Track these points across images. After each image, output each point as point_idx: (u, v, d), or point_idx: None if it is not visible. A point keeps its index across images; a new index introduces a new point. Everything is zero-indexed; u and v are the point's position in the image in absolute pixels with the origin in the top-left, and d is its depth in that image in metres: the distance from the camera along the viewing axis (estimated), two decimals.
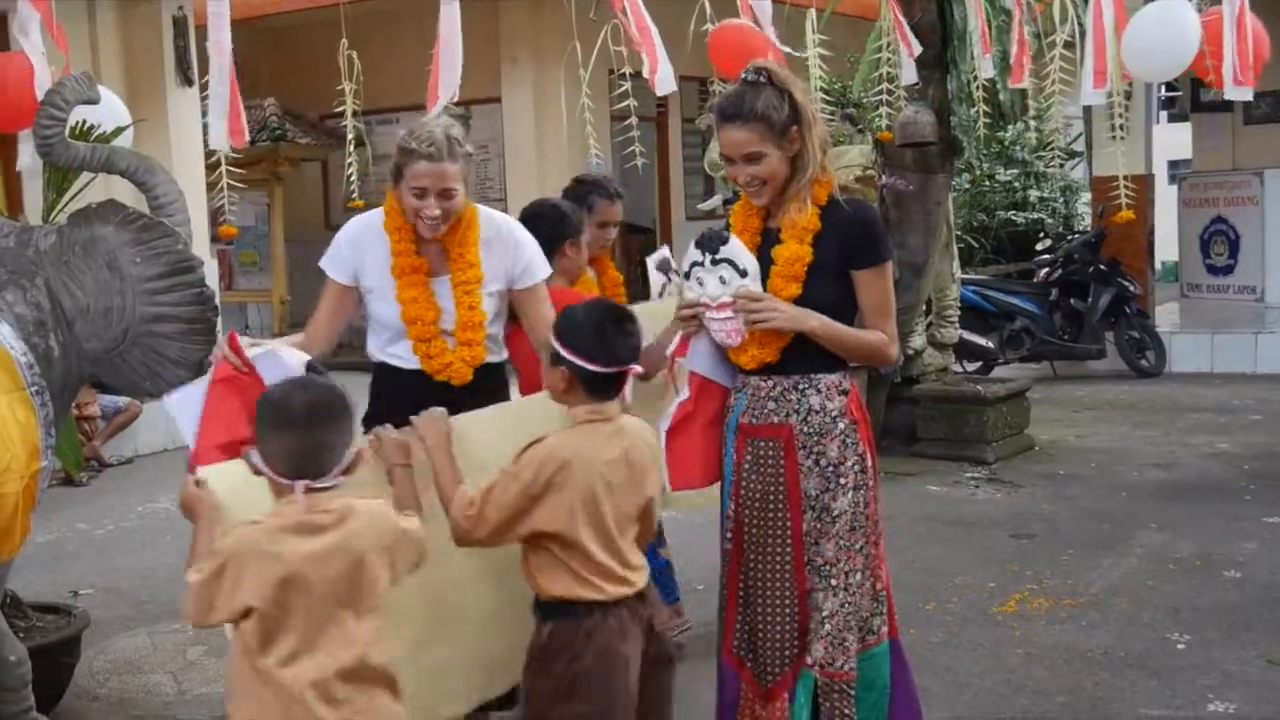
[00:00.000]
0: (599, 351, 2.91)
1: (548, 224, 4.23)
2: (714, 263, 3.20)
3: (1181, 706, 4.31)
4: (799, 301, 3.21)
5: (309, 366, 3.13)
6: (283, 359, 3.17)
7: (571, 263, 4.33)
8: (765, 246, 3.28)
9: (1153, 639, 4.93)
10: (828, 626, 3.23)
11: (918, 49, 5.77)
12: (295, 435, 2.56)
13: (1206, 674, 4.56)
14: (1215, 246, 13.70)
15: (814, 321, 3.20)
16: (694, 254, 3.26)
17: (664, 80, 5.45)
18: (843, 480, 3.25)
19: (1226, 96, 4.74)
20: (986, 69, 5.93)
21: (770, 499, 3.28)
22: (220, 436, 3.11)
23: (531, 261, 3.69)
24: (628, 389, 2.97)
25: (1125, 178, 5.59)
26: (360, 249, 3.64)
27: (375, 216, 3.65)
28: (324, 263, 3.67)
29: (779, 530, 3.28)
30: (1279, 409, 9.70)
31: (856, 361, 3.34)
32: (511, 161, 14.82)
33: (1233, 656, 4.71)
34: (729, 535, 3.39)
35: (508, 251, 3.66)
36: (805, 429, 3.25)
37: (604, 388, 2.94)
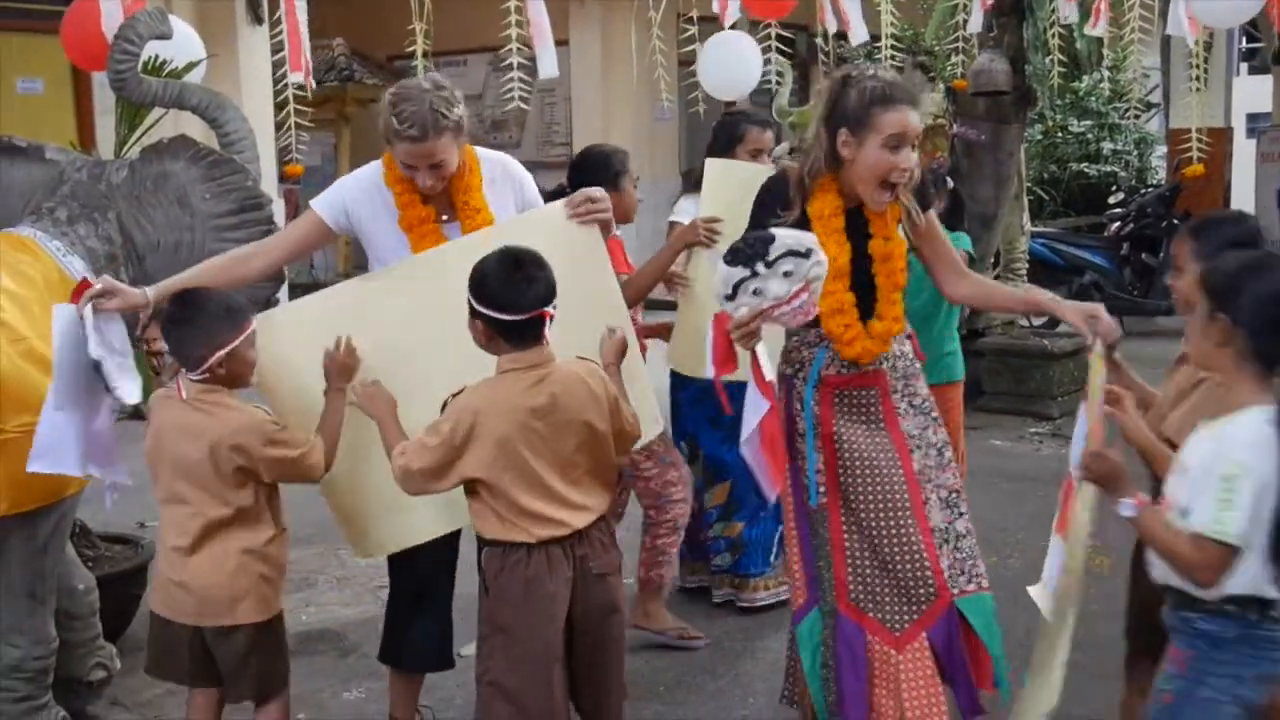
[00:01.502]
0: (506, 300, 2.94)
1: (591, 170, 4.36)
2: (769, 265, 2.97)
3: None
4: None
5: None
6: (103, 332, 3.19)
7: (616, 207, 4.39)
8: (851, 229, 3.27)
9: None
10: (975, 547, 3.39)
11: None
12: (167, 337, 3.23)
13: None
14: None
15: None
16: (736, 273, 2.99)
17: (733, 13, 5.37)
18: (934, 414, 3.40)
19: (1169, 30, 4.64)
20: (1070, 13, 5.79)
21: (876, 443, 3.31)
22: None
23: (535, 197, 3.69)
24: (547, 331, 2.98)
25: (1200, 131, 5.45)
26: (362, 204, 3.55)
27: (374, 172, 3.57)
28: (316, 202, 3.58)
29: (892, 472, 3.29)
30: None
31: None
32: (578, 105, 14.76)
33: None
34: (822, 489, 3.33)
35: (512, 189, 3.64)
36: (894, 374, 3.34)
37: (521, 334, 2.97)
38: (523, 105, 5.58)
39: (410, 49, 5.48)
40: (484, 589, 3.09)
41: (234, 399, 3.22)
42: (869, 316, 3.29)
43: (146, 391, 3.37)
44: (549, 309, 2.96)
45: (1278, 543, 2.41)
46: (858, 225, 3.28)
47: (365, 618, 4.84)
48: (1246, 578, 2.46)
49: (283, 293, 4.31)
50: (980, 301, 3.93)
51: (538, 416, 2.97)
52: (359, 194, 3.56)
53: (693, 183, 4.74)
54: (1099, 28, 5.60)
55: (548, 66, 4.89)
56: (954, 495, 3.37)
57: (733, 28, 5.64)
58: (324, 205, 3.56)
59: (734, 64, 5.69)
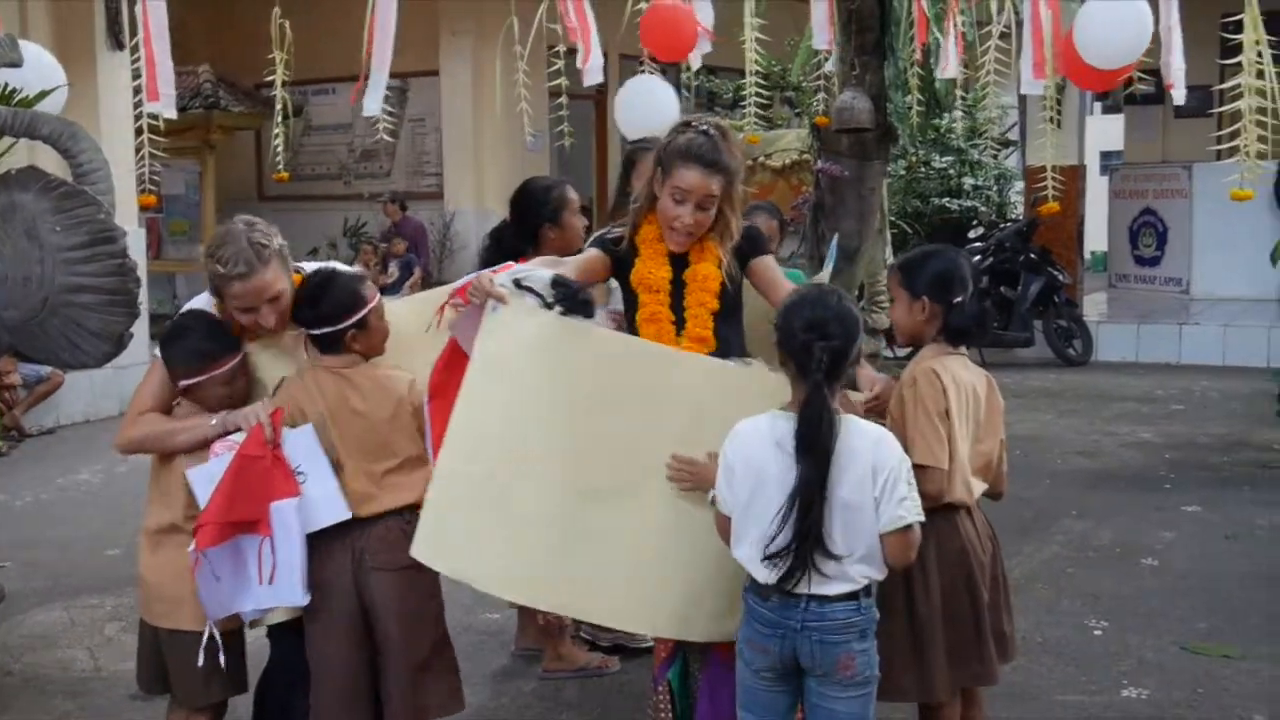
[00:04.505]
0: (297, 313, 3.34)
1: (528, 207, 4.40)
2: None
3: (1096, 692, 4.37)
4: (717, 313, 3.38)
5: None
6: (310, 438, 3.26)
7: (554, 244, 4.40)
8: (675, 256, 3.41)
9: (1071, 625, 5.00)
10: None
11: (824, 43, 5.79)
12: None
13: (1122, 660, 4.64)
14: (1143, 238, 13.90)
15: None
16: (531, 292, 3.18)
17: (594, 71, 5.45)
18: None
19: (1023, 91, 4.85)
20: (933, 56, 5.96)
21: None
22: (226, 515, 3.14)
23: None
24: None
25: (1054, 169, 5.64)
26: None
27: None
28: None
29: None
30: (1201, 399, 9.89)
31: None
32: (449, 135, 14.69)
33: (1148, 643, 4.79)
34: None
35: None
36: None
37: (318, 343, 3.31)
38: (388, 138, 5.57)
39: (272, 77, 5.42)
40: None
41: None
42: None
43: None
44: (331, 328, 3.27)
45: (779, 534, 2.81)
46: (682, 254, 3.44)
47: None
48: (741, 552, 2.90)
49: (142, 324, 4.22)
50: None
51: (338, 406, 3.26)
52: None
53: None
54: (950, 71, 5.76)
55: (371, 104, 4.88)
56: None
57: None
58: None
59: (651, 107, 5.72)
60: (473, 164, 14.49)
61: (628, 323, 3.46)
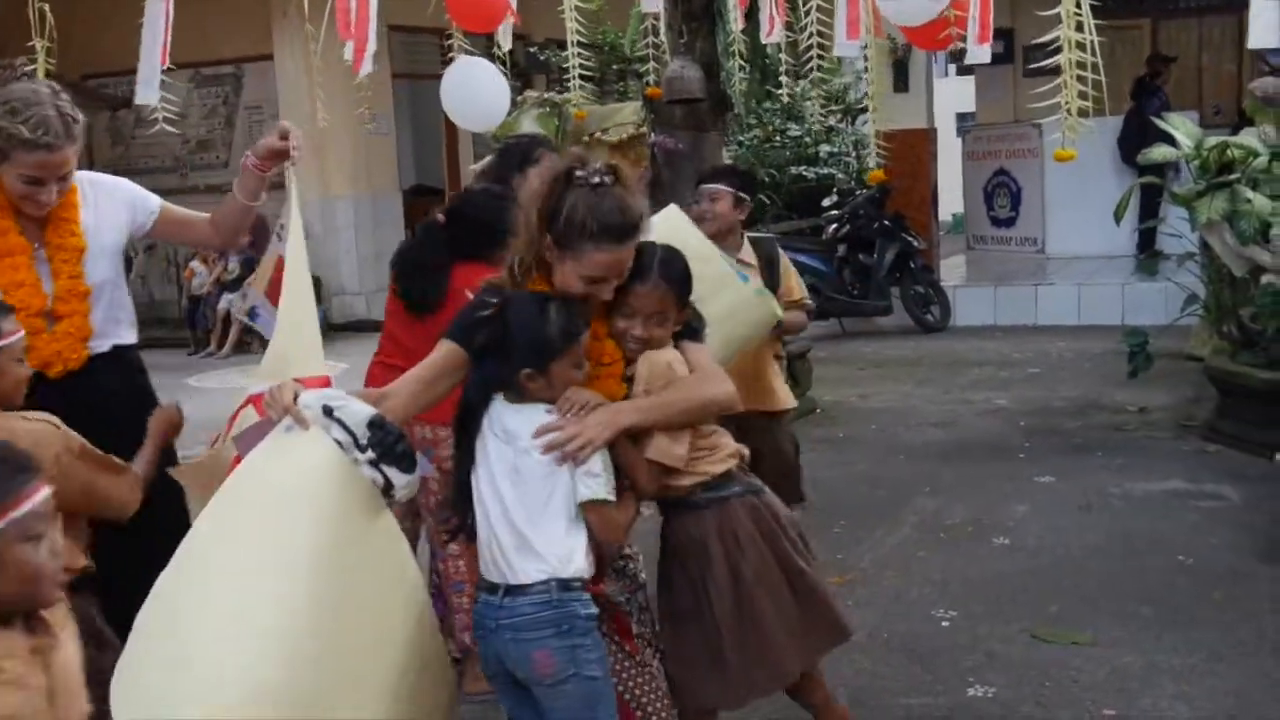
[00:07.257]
0: None
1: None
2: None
3: (941, 693, 4.10)
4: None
5: None
6: None
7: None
8: None
9: (918, 617, 4.74)
10: None
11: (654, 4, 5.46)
12: None
13: (970, 654, 4.38)
14: (998, 199, 13.83)
15: (629, 417, 2.77)
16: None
17: (369, 62, 5.09)
18: None
19: (969, 61, 4.51)
20: (738, 21, 5.66)
21: None
22: None
23: (138, 191, 3.47)
24: None
25: (888, 134, 5.38)
26: None
27: None
28: None
29: None
30: (1056, 361, 9.78)
31: None
32: (287, 121, 14.07)
33: (997, 633, 4.54)
34: None
35: (114, 197, 3.37)
36: None
37: None
38: (169, 129, 5.23)
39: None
40: None
41: None
42: None
43: None
44: None
45: None
46: None
47: None
48: None
49: None
50: None
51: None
52: None
53: None
54: (774, 36, 5.47)
55: (145, 93, 4.50)
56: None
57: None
58: None
59: (479, 96, 5.33)
60: (314, 150, 13.91)
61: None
